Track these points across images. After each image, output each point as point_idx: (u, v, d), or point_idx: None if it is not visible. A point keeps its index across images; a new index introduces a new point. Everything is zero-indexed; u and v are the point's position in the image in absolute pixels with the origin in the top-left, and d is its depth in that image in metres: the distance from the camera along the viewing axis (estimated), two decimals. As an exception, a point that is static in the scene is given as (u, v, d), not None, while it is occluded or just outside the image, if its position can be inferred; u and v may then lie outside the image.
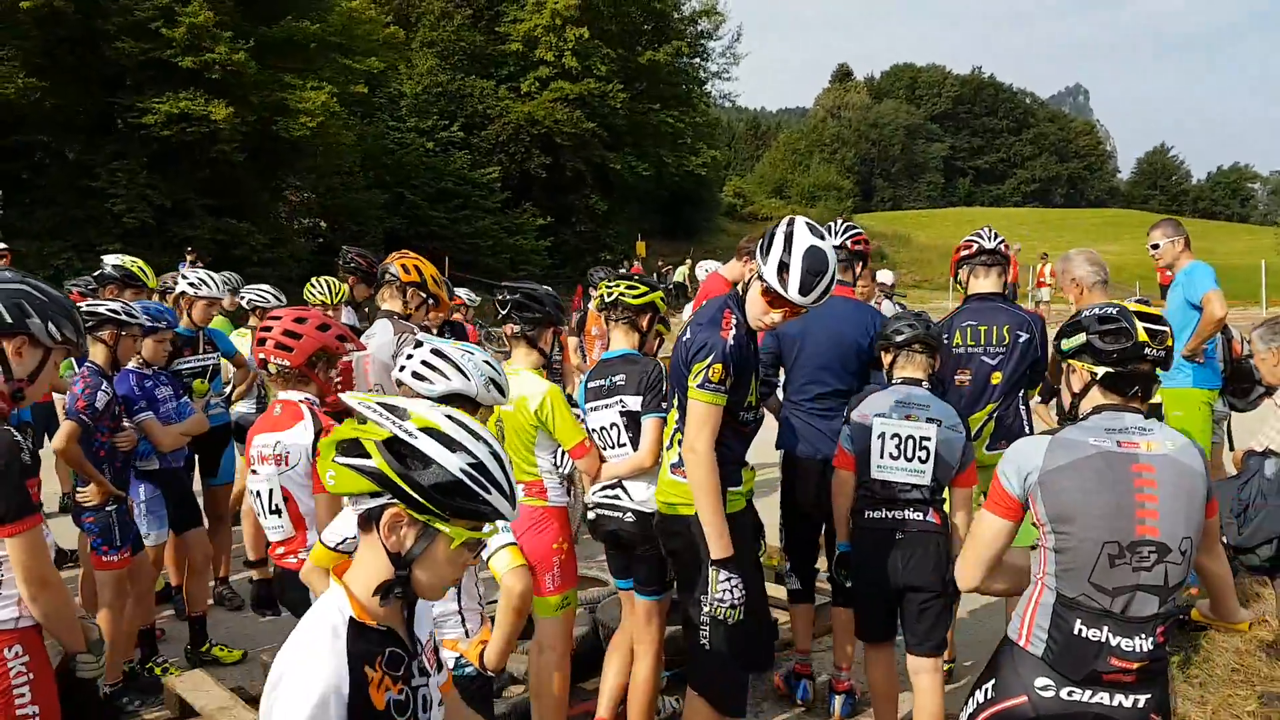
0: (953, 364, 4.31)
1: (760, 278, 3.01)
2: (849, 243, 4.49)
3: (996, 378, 4.28)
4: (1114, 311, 2.46)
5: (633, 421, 3.74)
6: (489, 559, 3.27)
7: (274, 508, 3.32)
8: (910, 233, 52.93)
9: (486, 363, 2.88)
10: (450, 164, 31.53)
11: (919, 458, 3.56)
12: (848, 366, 4.29)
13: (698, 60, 43.34)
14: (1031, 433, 4.39)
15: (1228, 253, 37.68)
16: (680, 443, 3.16)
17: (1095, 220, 66.46)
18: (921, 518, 3.59)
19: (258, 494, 3.37)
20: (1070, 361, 2.51)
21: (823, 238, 3.03)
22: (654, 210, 44.87)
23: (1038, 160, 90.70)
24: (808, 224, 3.07)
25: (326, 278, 5.90)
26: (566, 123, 33.43)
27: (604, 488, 3.78)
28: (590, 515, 3.84)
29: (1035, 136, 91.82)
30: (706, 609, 3.07)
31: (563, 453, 3.72)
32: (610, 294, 3.90)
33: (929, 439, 3.56)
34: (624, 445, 3.75)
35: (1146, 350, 2.40)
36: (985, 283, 4.48)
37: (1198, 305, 5.70)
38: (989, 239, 4.54)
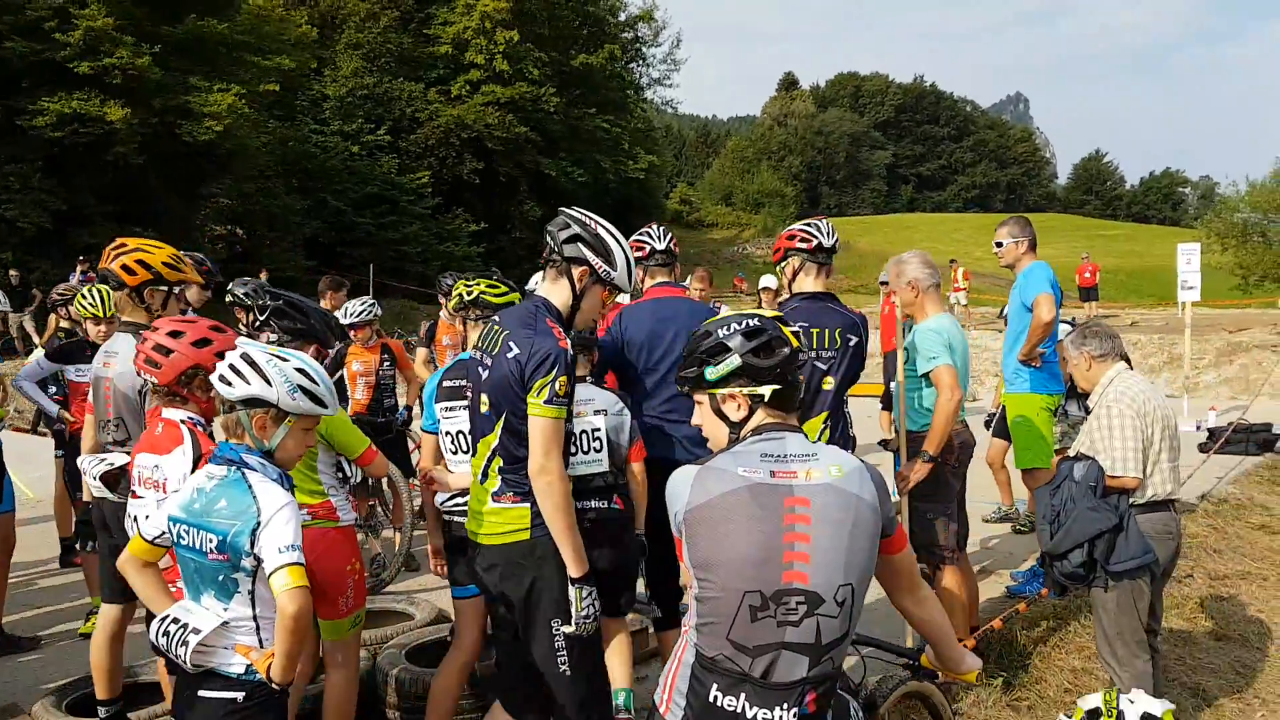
0: None
1: (605, 281, 3.07)
2: (673, 245, 4.22)
3: (829, 383, 4.04)
4: (756, 323, 2.14)
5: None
6: (269, 575, 2.72)
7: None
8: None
9: (300, 370, 2.67)
10: (377, 168, 30.70)
11: (593, 448, 3.58)
12: None
13: (634, 65, 43.08)
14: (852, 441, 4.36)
15: (1159, 254, 38.22)
16: (501, 469, 2.99)
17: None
18: (605, 505, 3.61)
19: (134, 519, 3.15)
20: (717, 391, 2.14)
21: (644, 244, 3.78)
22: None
23: (978, 167, 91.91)
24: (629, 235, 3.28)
25: (100, 287, 5.06)
26: (498, 127, 32.77)
27: (450, 496, 3.70)
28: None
29: (975, 144, 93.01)
30: (570, 628, 2.97)
31: (350, 463, 3.66)
32: (470, 292, 3.77)
33: (599, 429, 3.59)
34: (470, 452, 3.49)
35: (801, 356, 2.23)
36: (815, 281, 4.17)
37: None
38: (825, 235, 4.18)
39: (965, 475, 4.57)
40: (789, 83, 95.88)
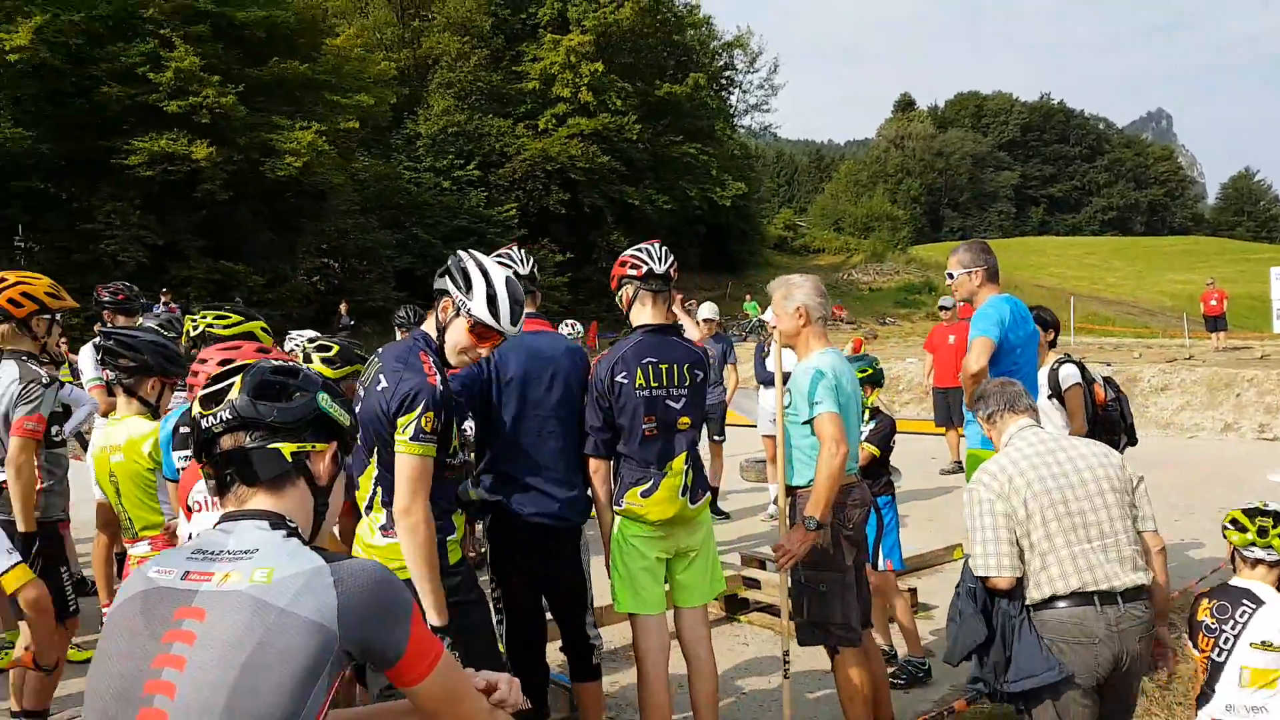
0: (630, 408, 3.55)
1: (468, 314, 2.97)
2: (672, 270, 3.81)
3: (685, 422, 3.64)
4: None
5: None
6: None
7: None
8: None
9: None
10: (466, 202, 31.49)
11: None
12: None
13: (727, 93, 42.89)
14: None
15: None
16: (385, 502, 2.93)
17: (1172, 248, 63.30)
18: None
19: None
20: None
21: (508, 266, 3.18)
22: (692, 244, 44.27)
23: (1114, 188, 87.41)
24: (489, 256, 3.15)
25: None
26: (582, 158, 33.13)
27: None
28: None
29: (1111, 163, 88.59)
30: None
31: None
32: (196, 327, 3.59)
33: None
34: None
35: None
36: (653, 311, 3.74)
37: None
38: (657, 261, 3.75)
39: (864, 539, 4.00)
40: (905, 104, 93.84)
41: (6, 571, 3.18)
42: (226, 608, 1.43)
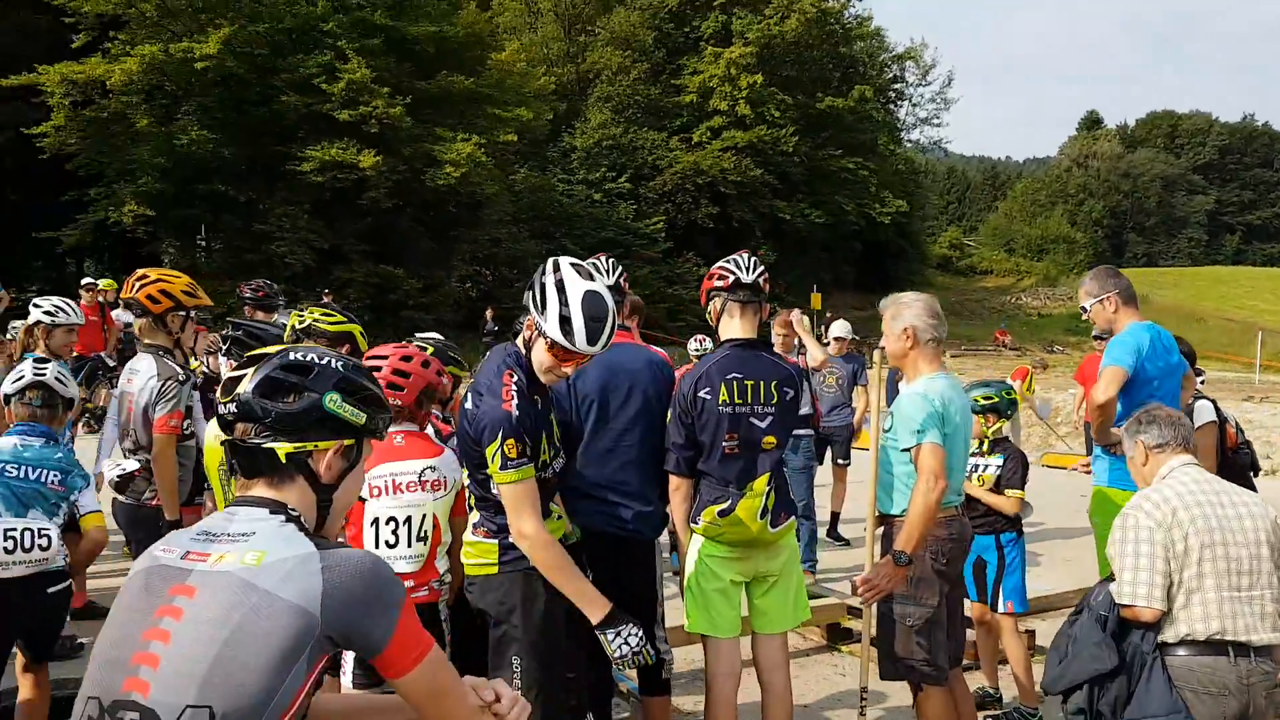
0: (712, 425, 3.45)
1: (543, 334, 2.94)
2: (763, 281, 3.69)
3: (770, 442, 3.49)
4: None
5: None
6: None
7: (421, 535, 3.28)
8: (1150, 292, 47.55)
9: None
10: (614, 214, 31.77)
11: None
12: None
13: (895, 106, 41.62)
14: (794, 499, 3.88)
15: None
16: (478, 504, 3.09)
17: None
18: None
19: (402, 520, 3.27)
20: None
21: (593, 278, 2.97)
22: (846, 261, 43.14)
23: (1322, 215, 79.41)
24: (574, 265, 2.99)
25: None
26: (733, 171, 32.82)
27: None
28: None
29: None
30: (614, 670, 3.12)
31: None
32: (303, 321, 3.65)
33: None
34: None
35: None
36: (742, 324, 3.59)
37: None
38: (745, 271, 3.60)
39: (960, 573, 3.82)
40: (1092, 121, 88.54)
41: (89, 514, 3.75)
42: (216, 587, 1.51)
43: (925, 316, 3.67)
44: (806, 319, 7.10)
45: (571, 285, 2.90)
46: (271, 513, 1.64)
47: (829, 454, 8.51)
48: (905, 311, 3.69)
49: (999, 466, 4.77)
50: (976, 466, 4.84)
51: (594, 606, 2.96)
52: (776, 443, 3.48)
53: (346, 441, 1.77)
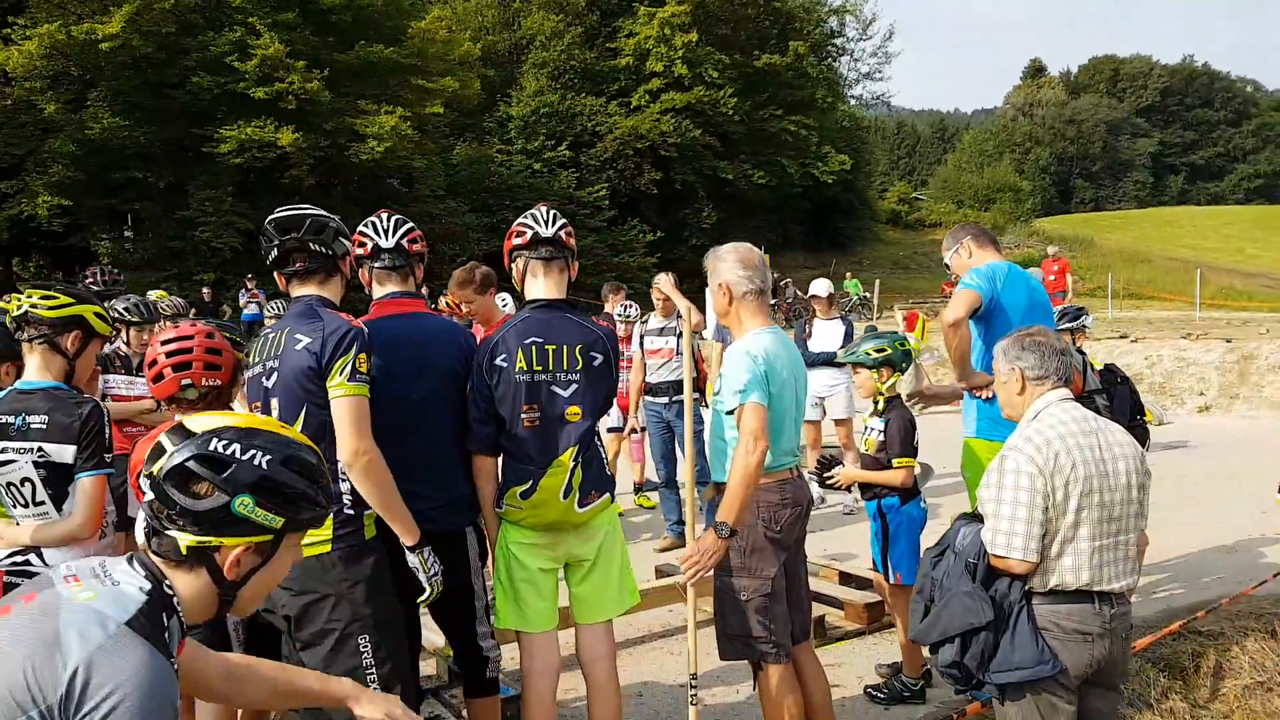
0: (510, 396, 3.19)
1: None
2: (565, 234, 3.39)
3: (575, 413, 3.21)
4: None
5: (56, 475, 3.05)
6: None
7: None
8: (1097, 235, 47.94)
9: None
10: (555, 184, 31.21)
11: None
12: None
13: (838, 62, 41.27)
14: (612, 476, 3.46)
15: None
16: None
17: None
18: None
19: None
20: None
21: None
22: (794, 220, 42.90)
23: (1262, 154, 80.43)
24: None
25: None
26: (673, 134, 32.34)
27: (13, 552, 3.06)
28: None
29: (1258, 128, 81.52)
30: (426, 593, 3.02)
31: None
32: (20, 307, 3.16)
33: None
34: (42, 504, 3.07)
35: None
36: (547, 283, 3.33)
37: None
38: (543, 224, 3.34)
39: (800, 540, 3.51)
40: (1036, 69, 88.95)
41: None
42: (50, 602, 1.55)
43: (739, 269, 3.40)
44: (669, 278, 6.84)
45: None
46: (146, 584, 1.64)
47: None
48: (720, 266, 3.43)
49: (881, 431, 4.47)
50: (867, 429, 4.60)
51: (410, 529, 2.92)
52: (582, 413, 3.18)
53: (258, 539, 1.71)
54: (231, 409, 3.30)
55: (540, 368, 3.15)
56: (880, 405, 4.52)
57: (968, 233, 4.42)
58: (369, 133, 22.70)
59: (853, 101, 47.99)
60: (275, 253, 2.98)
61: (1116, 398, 4.86)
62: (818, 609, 5.22)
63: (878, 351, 4.52)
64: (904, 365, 4.62)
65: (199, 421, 1.74)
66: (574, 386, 3.18)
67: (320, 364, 2.77)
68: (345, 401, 2.78)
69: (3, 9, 21.08)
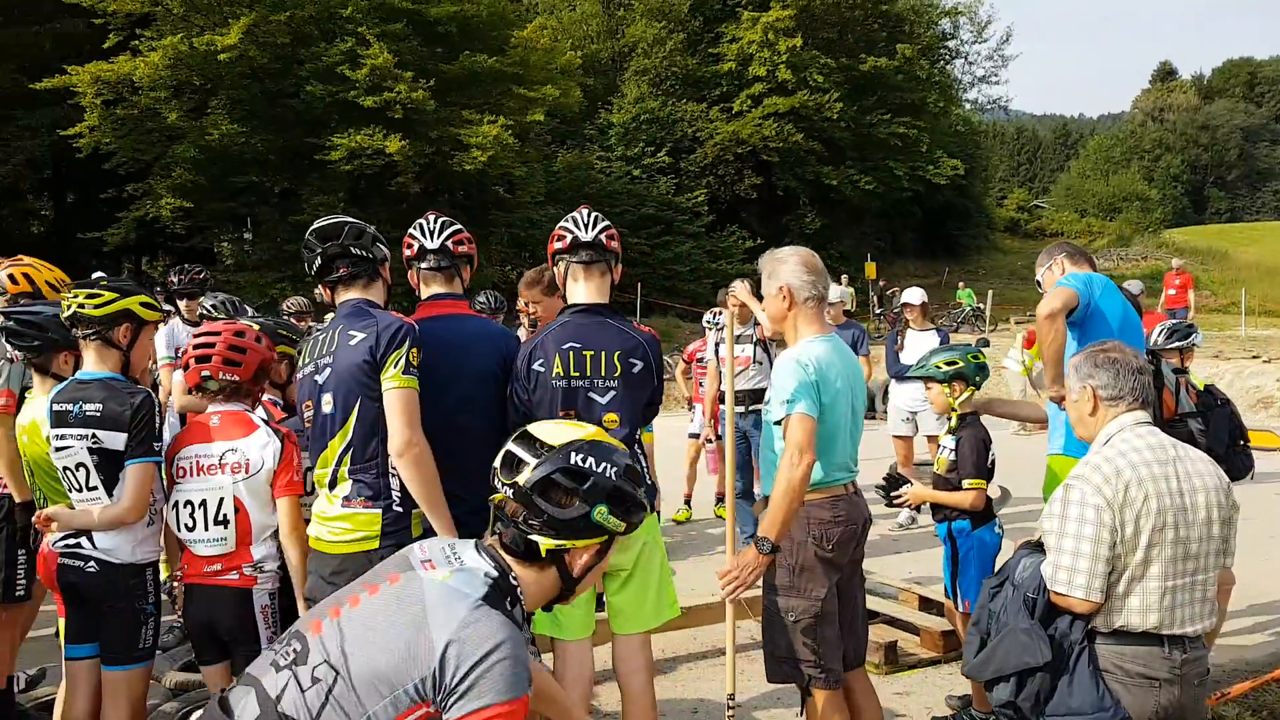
0: (547, 401, 3.18)
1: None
2: (605, 238, 3.35)
3: (612, 420, 3.17)
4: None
5: (107, 461, 3.22)
6: None
7: (221, 518, 3.21)
8: (1231, 248, 45.12)
9: None
10: (654, 189, 31.21)
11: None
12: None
13: (944, 65, 40.04)
14: (654, 485, 3.56)
15: None
16: (352, 470, 2.94)
17: None
18: None
19: (198, 504, 3.23)
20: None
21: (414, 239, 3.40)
22: (907, 228, 41.79)
23: None
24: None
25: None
26: (775, 139, 31.89)
27: (65, 536, 3.29)
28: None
29: None
30: None
31: None
32: (69, 308, 3.38)
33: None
34: (95, 488, 3.25)
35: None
36: (588, 288, 3.30)
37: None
38: (583, 228, 3.30)
39: (857, 560, 3.40)
40: (1165, 73, 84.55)
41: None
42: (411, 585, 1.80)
43: (802, 273, 3.31)
44: (746, 285, 6.61)
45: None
46: (494, 572, 1.87)
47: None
48: (780, 269, 3.34)
49: (953, 450, 4.26)
50: (942, 448, 4.39)
51: (449, 526, 2.92)
52: (619, 420, 3.13)
53: (601, 540, 1.97)
54: (258, 401, 3.54)
55: (578, 373, 3.14)
56: (954, 422, 4.31)
57: (1062, 250, 4.40)
58: (472, 142, 23.05)
59: (967, 105, 46.66)
60: (319, 261, 3.09)
61: (1213, 421, 4.46)
62: (891, 634, 5.02)
63: (948, 365, 4.34)
64: (977, 379, 4.38)
65: (547, 432, 2.00)
66: (612, 393, 3.15)
67: (375, 357, 2.87)
68: (398, 393, 2.86)
69: (132, 22, 22.21)
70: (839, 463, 3.23)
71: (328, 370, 2.95)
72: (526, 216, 28.51)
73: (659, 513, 6.16)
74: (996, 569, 3.09)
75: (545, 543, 1.89)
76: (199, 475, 3.23)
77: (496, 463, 1.98)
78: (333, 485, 2.93)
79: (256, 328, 3.60)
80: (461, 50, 24.47)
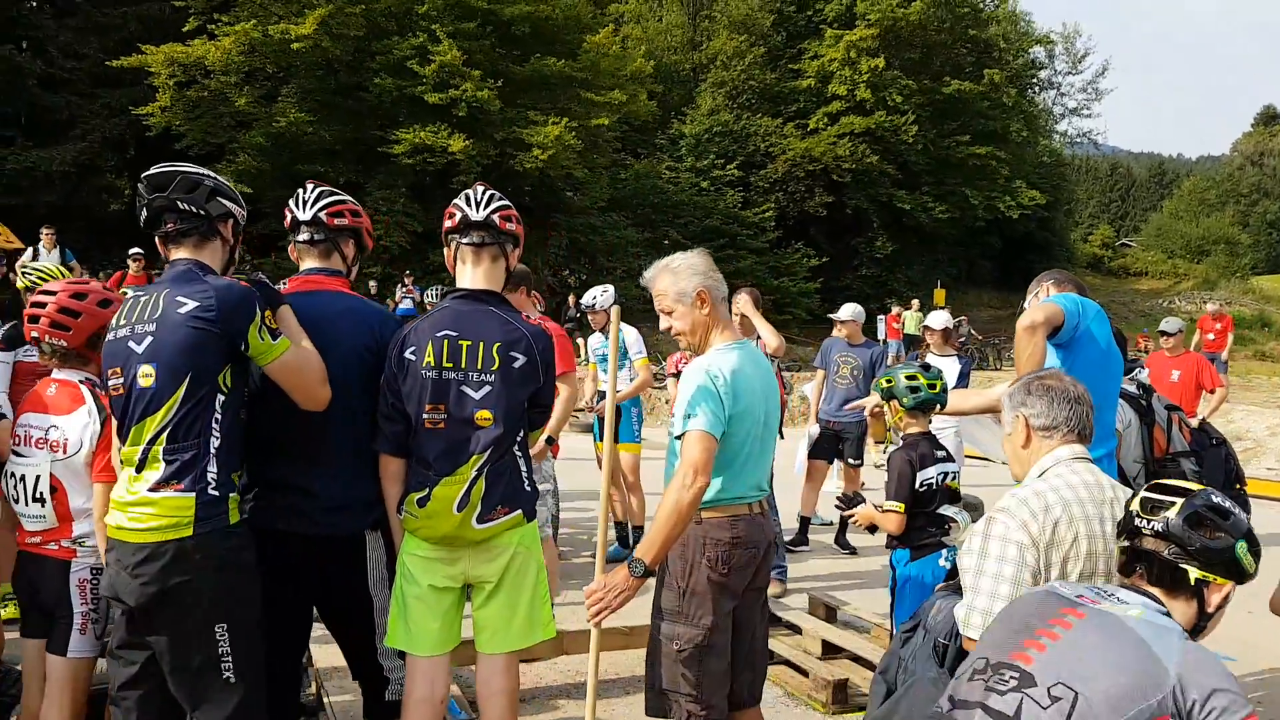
0: (416, 393, 2.88)
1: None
2: (499, 219, 3.03)
3: (485, 418, 2.86)
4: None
5: None
6: None
7: (37, 496, 3.11)
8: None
9: None
10: (721, 202, 30.75)
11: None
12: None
13: (1033, 93, 38.83)
14: (533, 492, 3.00)
15: None
16: (167, 451, 2.63)
17: None
18: None
19: (19, 477, 3.15)
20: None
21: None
22: (983, 257, 40.59)
23: None
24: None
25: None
26: (848, 159, 31.14)
27: None
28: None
29: None
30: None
31: None
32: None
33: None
34: None
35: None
36: (476, 273, 3.02)
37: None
38: (474, 206, 3.01)
39: (759, 587, 3.10)
40: (1269, 116, 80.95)
41: None
42: (1099, 620, 1.95)
43: (711, 273, 3.08)
44: (750, 297, 6.15)
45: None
46: (1153, 602, 2.01)
47: (841, 452, 7.65)
48: (685, 273, 3.05)
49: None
50: (946, 474, 4.11)
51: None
52: (493, 419, 2.83)
53: (1231, 585, 2.07)
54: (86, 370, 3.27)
55: (450, 364, 2.84)
56: (891, 439, 4.13)
57: (1050, 277, 4.15)
58: (533, 141, 22.91)
59: (1056, 137, 45.20)
60: (145, 213, 2.79)
61: (1207, 462, 4.14)
62: (845, 670, 4.71)
63: (887, 382, 4.15)
64: (905, 401, 4.08)
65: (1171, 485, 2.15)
66: (487, 389, 2.84)
67: (219, 331, 2.60)
68: (284, 360, 2.70)
69: (212, 6, 22.58)
70: (747, 480, 2.97)
71: (147, 340, 2.63)
72: (588, 222, 28.31)
73: (557, 520, 5.85)
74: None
75: (1194, 572, 2.01)
76: (28, 446, 3.12)
77: (1133, 505, 2.12)
78: (140, 467, 2.63)
79: (104, 290, 3.36)
80: (532, 52, 24.39)
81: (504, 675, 2.97)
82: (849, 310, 7.67)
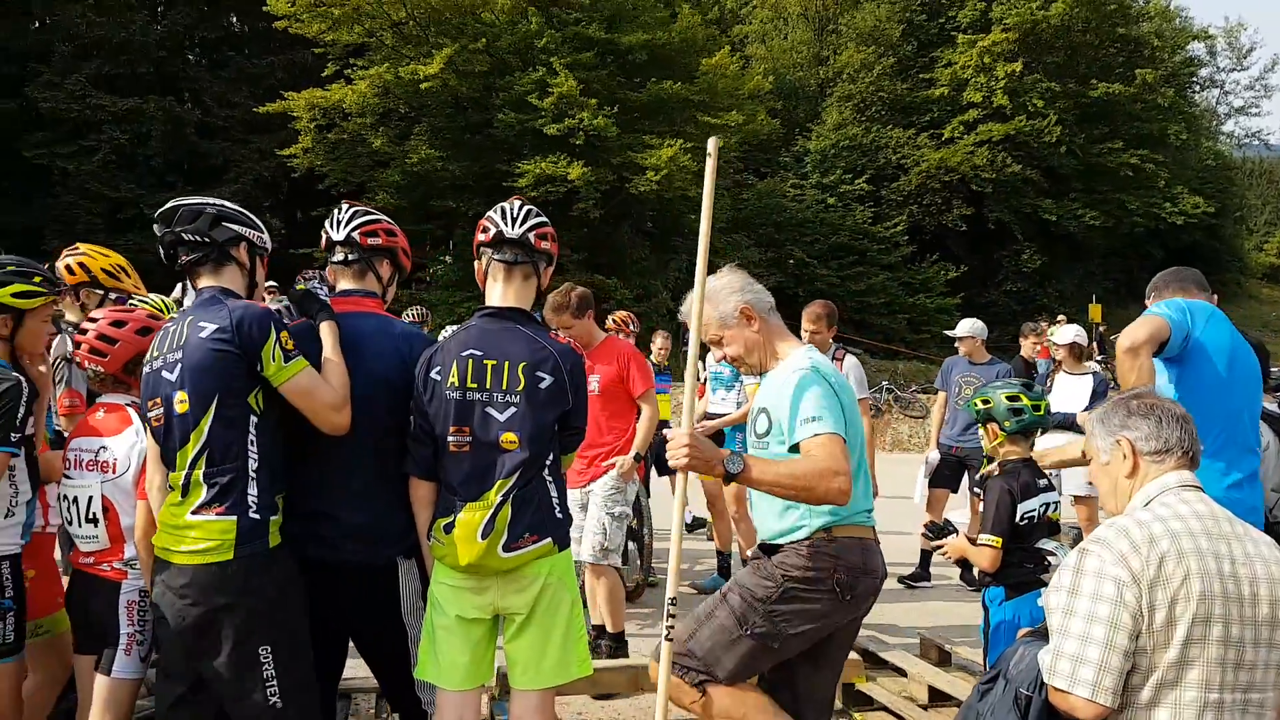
0: (442, 414, 2.83)
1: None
2: (534, 238, 3.00)
3: (510, 440, 2.78)
4: None
5: None
6: None
7: (90, 516, 3.22)
8: None
9: None
10: (849, 218, 29.96)
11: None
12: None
13: (1193, 93, 36.16)
14: (565, 519, 2.89)
15: None
16: (207, 474, 2.67)
17: None
18: None
19: (71, 499, 3.27)
20: None
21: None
22: (1143, 268, 38.04)
23: None
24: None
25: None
26: (987, 168, 29.73)
27: None
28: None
29: None
30: None
31: None
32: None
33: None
34: None
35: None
36: (507, 289, 2.96)
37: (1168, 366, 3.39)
38: (509, 222, 2.94)
39: (853, 629, 3.04)
40: None
41: None
42: None
43: (750, 286, 3.02)
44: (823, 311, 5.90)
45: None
46: None
47: (965, 479, 7.33)
48: (722, 294, 2.98)
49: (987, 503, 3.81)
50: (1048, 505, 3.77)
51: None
52: (519, 442, 2.74)
53: None
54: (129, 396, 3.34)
55: (475, 384, 2.78)
56: (987, 466, 3.85)
57: (1171, 277, 3.75)
58: (648, 164, 23.02)
59: (1221, 139, 41.95)
60: (161, 250, 2.89)
61: None
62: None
63: (983, 403, 3.72)
64: (1008, 425, 3.67)
65: None
66: (512, 410, 2.76)
67: (238, 351, 2.64)
68: (296, 381, 2.68)
69: (348, 51, 23.84)
70: (866, 496, 2.88)
71: (178, 367, 2.69)
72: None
73: (648, 548, 5.39)
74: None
75: None
76: (79, 470, 3.22)
77: None
78: (185, 492, 2.67)
79: (153, 313, 3.50)
80: (649, 77, 24.54)
81: (538, 714, 2.84)
82: (967, 325, 7.22)
